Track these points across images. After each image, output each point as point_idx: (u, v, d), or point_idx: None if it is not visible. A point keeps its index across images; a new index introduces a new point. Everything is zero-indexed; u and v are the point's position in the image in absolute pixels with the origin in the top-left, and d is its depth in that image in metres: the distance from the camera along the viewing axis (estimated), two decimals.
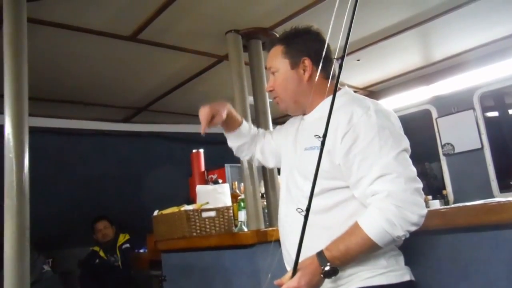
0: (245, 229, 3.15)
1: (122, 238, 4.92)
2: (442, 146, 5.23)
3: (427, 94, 5.39)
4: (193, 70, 4.31)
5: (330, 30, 1.56)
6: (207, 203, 3.11)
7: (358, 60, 4.41)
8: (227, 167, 5.36)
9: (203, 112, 1.96)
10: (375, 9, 3.39)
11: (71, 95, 4.67)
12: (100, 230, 4.86)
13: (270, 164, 2.21)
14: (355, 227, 1.51)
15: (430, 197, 4.88)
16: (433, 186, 5.34)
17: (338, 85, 1.63)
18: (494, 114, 5.40)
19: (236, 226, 3.20)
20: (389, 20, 3.68)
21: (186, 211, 2.97)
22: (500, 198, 4.33)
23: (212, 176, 5.12)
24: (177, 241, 3.05)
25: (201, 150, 5.37)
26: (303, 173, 1.70)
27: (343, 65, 1.52)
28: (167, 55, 3.83)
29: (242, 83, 3.49)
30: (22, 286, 2.03)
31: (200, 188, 3.43)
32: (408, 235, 1.49)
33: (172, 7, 3.05)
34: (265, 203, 3.45)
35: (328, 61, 1.74)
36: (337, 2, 1.40)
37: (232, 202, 3.39)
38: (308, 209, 1.49)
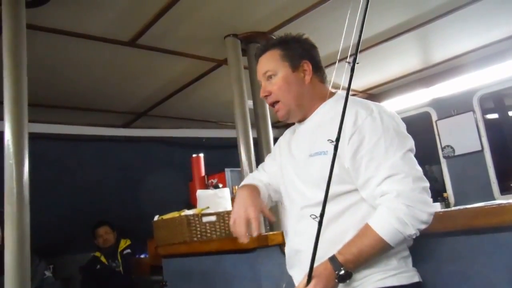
0: None
1: (123, 243, 4.91)
2: (442, 149, 5.23)
3: (426, 96, 5.38)
4: (193, 75, 4.31)
5: (337, 32, 1.56)
6: (208, 207, 3.11)
7: (357, 63, 4.41)
8: (227, 172, 5.36)
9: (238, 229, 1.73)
10: (374, 12, 3.39)
11: (71, 101, 4.67)
12: (101, 235, 4.85)
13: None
14: (366, 228, 1.51)
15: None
16: (433, 189, 5.27)
17: (332, 89, 1.65)
18: (494, 116, 5.40)
19: None
20: (388, 22, 3.69)
21: (186, 216, 2.97)
22: (501, 200, 4.32)
23: (212, 180, 5.11)
24: (177, 246, 3.04)
25: (201, 155, 5.37)
26: (306, 180, 1.69)
27: (345, 67, 1.53)
28: (166, 60, 3.84)
29: (241, 87, 3.49)
30: None
31: (200, 193, 3.43)
32: (418, 234, 1.50)
33: (171, 12, 3.05)
34: None
35: (321, 67, 1.77)
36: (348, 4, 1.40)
37: (232, 206, 3.38)
38: (322, 215, 1.49)
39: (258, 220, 1.71)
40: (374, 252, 1.52)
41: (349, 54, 1.58)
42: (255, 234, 1.70)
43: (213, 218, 3.02)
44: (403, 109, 5.55)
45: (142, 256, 4.91)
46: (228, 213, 3.16)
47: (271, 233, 2.56)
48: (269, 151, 3.57)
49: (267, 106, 3.53)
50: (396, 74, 5.16)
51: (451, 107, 5.20)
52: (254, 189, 1.87)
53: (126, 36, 3.36)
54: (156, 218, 3.36)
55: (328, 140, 1.53)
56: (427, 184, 1.54)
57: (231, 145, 4.05)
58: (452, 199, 5.15)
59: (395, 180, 1.50)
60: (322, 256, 1.51)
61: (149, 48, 3.58)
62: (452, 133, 5.20)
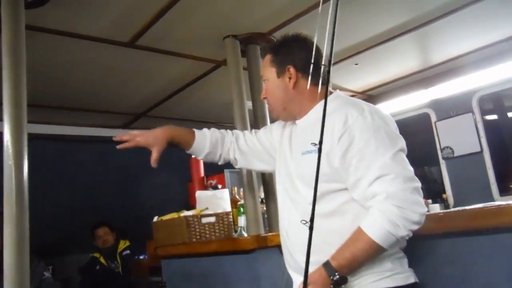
0: (245, 235, 3.14)
1: (123, 244, 4.91)
2: (442, 150, 5.22)
3: (425, 97, 5.38)
4: (192, 76, 4.31)
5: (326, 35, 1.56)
6: (207, 208, 3.11)
7: (356, 64, 4.41)
8: (227, 173, 5.36)
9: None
10: (373, 13, 3.39)
11: (70, 102, 4.67)
12: (100, 236, 4.85)
13: (257, 167, 2.20)
14: (358, 232, 1.52)
15: (430, 200, 4.88)
16: (432, 190, 5.32)
17: (330, 89, 1.68)
18: (493, 117, 5.39)
19: (235, 231, 3.19)
20: (387, 24, 3.68)
21: (185, 217, 2.97)
22: (500, 201, 4.33)
23: (211, 181, 5.12)
24: (177, 247, 3.05)
25: None
26: (302, 178, 1.71)
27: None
28: (166, 60, 3.83)
29: (240, 88, 3.49)
30: None
31: (199, 194, 3.43)
32: (411, 235, 1.50)
33: (169, 13, 3.05)
34: (264, 208, 3.44)
35: (316, 67, 1.73)
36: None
37: (232, 207, 3.39)
38: (312, 219, 1.48)
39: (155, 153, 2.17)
40: (367, 255, 1.52)
41: (331, 56, 1.57)
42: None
43: (212, 219, 3.02)
44: (402, 110, 5.55)
45: (141, 257, 4.90)
46: (228, 214, 3.16)
47: (270, 234, 2.56)
48: None
49: (266, 107, 3.52)
50: (395, 75, 5.16)
51: (450, 108, 5.20)
52: (189, 131, 2.19)
53: (125, 37, 3.36)
54: (155, 219, 3.36)
55: (311, 143, 1.54)
56: (419, 184, 1.54)
57: None
58: (451, 200, 5.14)
59: (386, 181, 1.50)
60: (316, 254, 1.51)
61: (148, 49, 3.58)
62: (451, 134, 5.19)
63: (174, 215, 3.15)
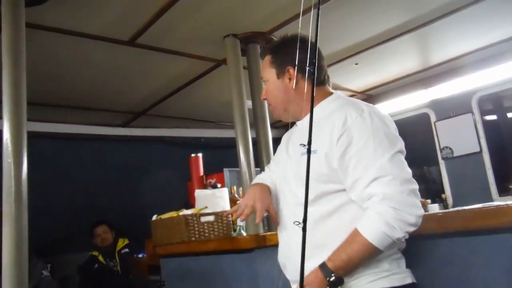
0: (244, 234, 3.14)
1: (121, 243, 4.90)
2: (441, 150, 5.23)
3: (425, 97, 5.39)
4: (192, 75, 4.31)
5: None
6: (206, 207, 3.11)
7: (356, 64, 4.41)
8: (226, 171, 5.36)
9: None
10: (373, 13, 3.39)
11: (70, 100, 4.67)
12: (99, 234, 4.84)
13: None
14: (355, 234, 1.52)
15: (429, 200, 4.88)
16: (432, 190, 5.33)
17: (330, 90, 1.70)
18: (493, 117, 5.40)
19: (234, 230, 3.19)
20: (387, 24, 3.68)
21: (184, 215, 2.97)
22: (499, 201, 4.33)
23: (210, 180, 5.11)
24: (175, 246, 3.04)
25: (200, 154, 5.37)
26: (298, 178, 1.69)
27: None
28: (166, 59, 3.84)
29: (240, 87, 3.49)
30: None
31: (198, 193, 3.42)
32: (407, 236, 1.50)
33: (170, 12, 3.05)
34: None
35: (316, 68, 1.72)
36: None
37: (231, 206, 3.38)
38: (305, 220, 1.47)
39: (262, 214, 1.75)
40: (363, 256, 1.52)
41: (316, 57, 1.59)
42: (258, 221, 1.74)
43: (211, 218, 3.01)
44: (401, 110, 5.56)
45: (140, 255, 4.90)
46: None
47: (268, 233, 2.56)
48: (268, 151, 3.57)
49: (266, 106, 3.53)
50: (395, 75, 5.17)
51: (449, 109, 5.21)
52: (265, 188, 1.90)
53: (126, 36, 3.36)
54: (154, 217, 3.36)
55: (300, 144, 1.54)
56: (416, 186, 1.53)
57: (230, 145, 4.05)
58: (450, 200, 5.15)
59: (383, 183, 1.50)
60: (313, 257, 1.52)
61: (148, 48, 3.58)
62: (450, 134, 5.20)
63: (173, 213, 3.15)
